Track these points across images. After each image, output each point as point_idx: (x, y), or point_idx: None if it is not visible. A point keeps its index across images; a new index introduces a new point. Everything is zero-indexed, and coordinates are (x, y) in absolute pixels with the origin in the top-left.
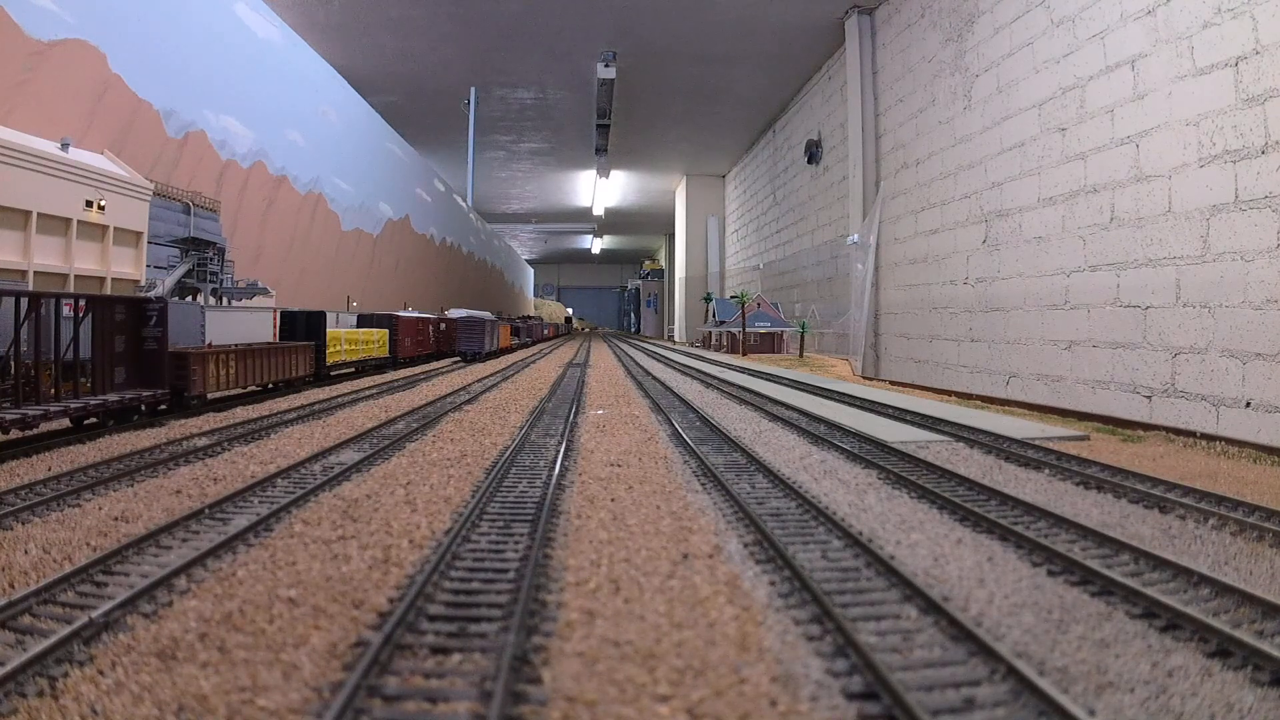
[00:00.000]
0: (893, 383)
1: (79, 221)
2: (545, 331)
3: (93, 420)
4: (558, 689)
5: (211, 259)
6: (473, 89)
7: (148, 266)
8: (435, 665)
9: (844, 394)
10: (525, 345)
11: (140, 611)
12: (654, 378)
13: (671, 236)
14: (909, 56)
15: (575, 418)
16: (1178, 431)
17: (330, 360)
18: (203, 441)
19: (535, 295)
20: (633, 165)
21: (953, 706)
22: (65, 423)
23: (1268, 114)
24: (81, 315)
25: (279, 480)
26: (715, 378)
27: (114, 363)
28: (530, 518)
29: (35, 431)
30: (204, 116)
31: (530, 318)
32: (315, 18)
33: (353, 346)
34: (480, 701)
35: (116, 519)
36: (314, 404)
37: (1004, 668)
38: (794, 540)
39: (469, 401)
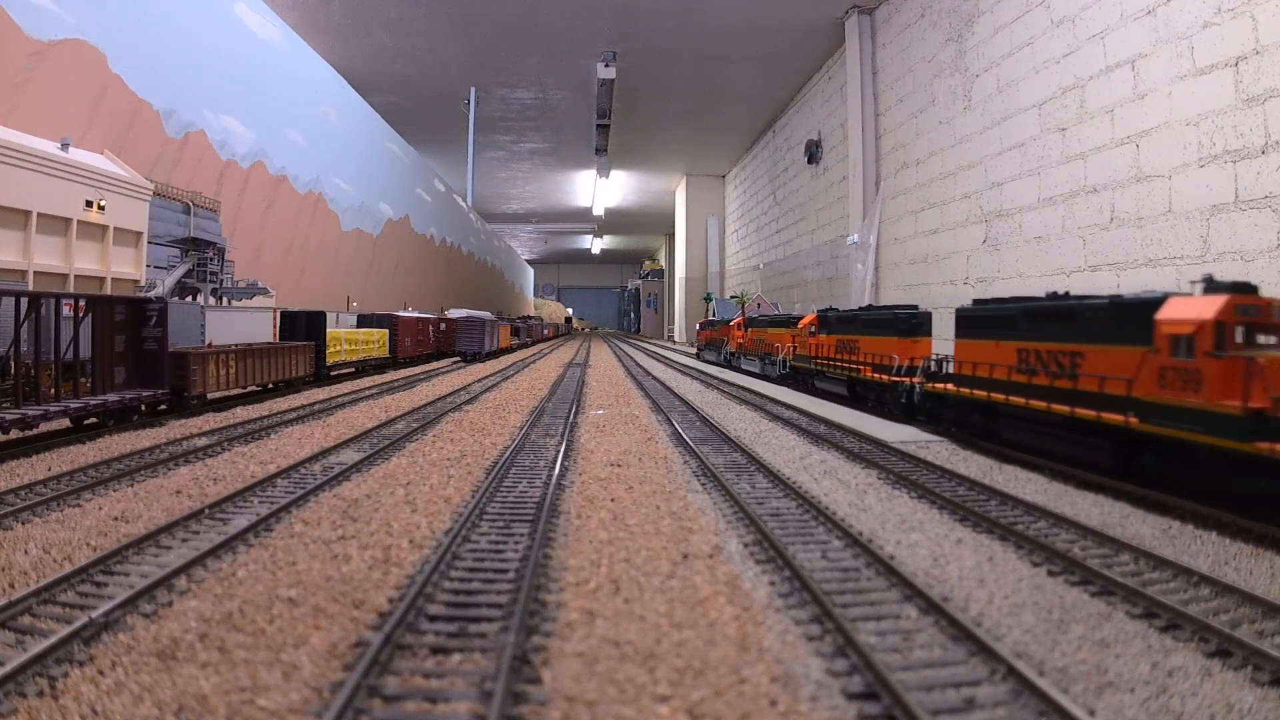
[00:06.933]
0: None
1: (79, 221)
2: (545, 332)
3: (93, 420)
4: (558, 689)
5: (211, 259)
6: (473, 89)
7: (148, 266)
8: (435, 665)
9: (844, 394)
10: (525, 345)
11: (140, 611)
12: (654, 378)
13: (671, 236)
14: (909, 56)
15: (575, 418)
16: None
17: (330, 360)
18: (203, 441)
19: (535, 295)
20: (633, 165)
21: (953, 707)
22: (65, 423)
23: (1268, 114)
24: (81, 315)
25: (279, 480)
26: (715, 377)
27: (114, 363)
28: (530, 518)
29: (35, 431)
30: (204, 116)
31: (530, 318)
32: (315, 18)
33: (353, 346)
34: (480, 702)
35: (116, 519)
36: (314, 404)
37: (1004, 668)
38: (794, 540)
39: (469, 402)
